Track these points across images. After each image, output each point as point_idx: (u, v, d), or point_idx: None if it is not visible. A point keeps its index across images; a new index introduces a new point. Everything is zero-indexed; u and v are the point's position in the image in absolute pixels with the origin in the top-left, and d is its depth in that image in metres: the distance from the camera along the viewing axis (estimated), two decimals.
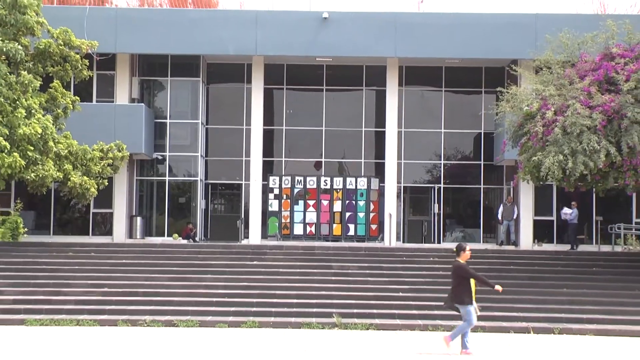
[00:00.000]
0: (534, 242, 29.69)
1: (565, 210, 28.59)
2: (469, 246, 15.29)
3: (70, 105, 26.28)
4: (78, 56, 25.82)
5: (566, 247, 27.75)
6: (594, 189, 23.86)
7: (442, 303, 20.14)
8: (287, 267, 23.19)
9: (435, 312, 19.62)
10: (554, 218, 30.43)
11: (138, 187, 31.44)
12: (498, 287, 14.91)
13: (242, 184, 31.78)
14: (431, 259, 24.27)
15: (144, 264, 23.26)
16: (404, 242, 30.87)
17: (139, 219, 30.68)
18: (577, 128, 20.10)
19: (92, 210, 30.34)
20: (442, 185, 31.93)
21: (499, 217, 29.63)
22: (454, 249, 15.12)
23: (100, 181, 26.53)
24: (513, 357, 14.88)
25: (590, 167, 20.00)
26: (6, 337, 16.39)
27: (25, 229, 27.73)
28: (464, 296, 14.47)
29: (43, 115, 24.57)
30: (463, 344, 14.56)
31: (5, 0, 23.01)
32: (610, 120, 20.40)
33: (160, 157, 31.42)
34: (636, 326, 18.95)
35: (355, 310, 19.64)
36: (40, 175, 24.07)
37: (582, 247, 28.87)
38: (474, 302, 14.49)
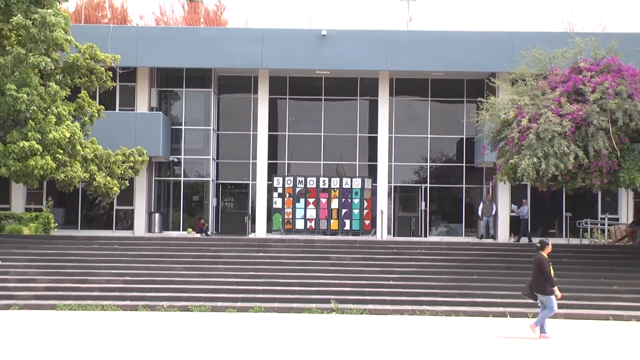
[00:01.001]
0: (510, 235, 29.76)
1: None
2: (550, 242, 15.54)
3: (96, 113, 26.37)
4: (103, 69, 25.88)
5: (533, 239, 27.79)
6: (564, 188, 23.89)
7: (433, 290, 20.38)
8: (289, 258, 23.26)
9: (422, 298, 19.75)
10: (528, 214, 30.52)
11: (156, 187, 31.52)
12: (557, 293, 15.06)
13: (249, 183, 31.86)
14: (418, 250, 24.33)
15: (162, 255, 23.32)
16: (394, 235, 30.93)
17: (157, 215, 30.76)
18: (549, 134, 20.15)
19: (115, 207, 30.46)
20: (428, 185, 32.00)
21: (479, 213, 29.70)
22: (538, 244, 15.34)
23: (122, 182, 26.60)
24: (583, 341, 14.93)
25: (561, 168, 20.06)
26: (40, 320, 16.44)
27: (56, 224, 27.86)
28: (546, 286, 14.67)
29: (72, 122, 24.64)
30: (542, 329, 14.89)
31: (35, 19, 23.00)
32: (578, 127, 20.45)
33: (176, 160, 31.50)
34: (601, 310, 19.02)
35: (350, 297, 19.70)
36: (69, 176, 24.13)
37: (554, 240, 28.78)
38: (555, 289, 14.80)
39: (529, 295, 15.23)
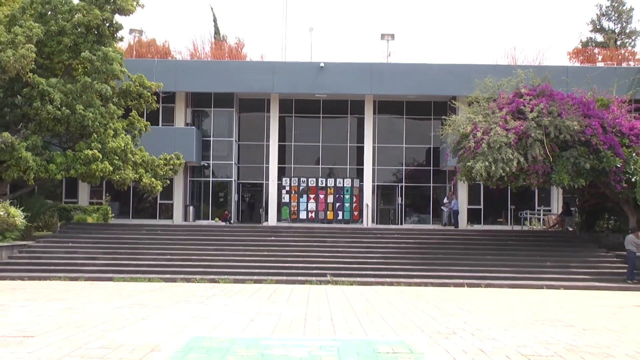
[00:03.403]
0: (467, 223, 29.98)
1: (445, 200, 29.23)
2: None
3: (144, 128, 26.52)
4: (149, 94, 26.03)
5: (494, 227, 28.04)
6: (509, 186, 24.11)
7: (407, 266, 20.52)
8: (295, 241, 23.41)
9: (399, 272, 19.84)
10: (481, 207, 30.72)
11: (190, 185, 31.72)
12: None
13: (263, 183, 32.06)
14: (396, 235, 24.49)
15: (195, 239, 23.49)
16: (376, 224, 31.13)
17: (191, 207, 30.95)
18: (497, 144, 20.28)
19: (158, 201, 30.65)
20: (403, 184, 32.22)
21: (443, 206, 29.92)
22: None
23: (164, 181, 26.75)
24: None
25: (507, 171, 20.20)
26: (102, 288, 16.60)
27: (113, 214, 28.06)
28: None
29: (125, 135, 24.81)
30: None
31: (99, 55, 23.21)
32: (520, 138, 20.61)
33: (206, 164, 31.69)
34: (537, 281, 19.18)
35: (342, 272, 19.84)
36: (123, 177, 24.28)
37: (500, 227, 29.13)
38: None
39: None
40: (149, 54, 32.36)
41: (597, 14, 45.89)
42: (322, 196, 31.29)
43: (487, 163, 20.21)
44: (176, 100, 30.72)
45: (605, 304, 13.82)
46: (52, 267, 19.63)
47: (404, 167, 32.37)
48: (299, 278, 19.01)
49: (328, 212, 31.20)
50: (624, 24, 45.37)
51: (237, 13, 73.18)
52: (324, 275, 19.30)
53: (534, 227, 28.52)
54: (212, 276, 19.06)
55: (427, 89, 29.68)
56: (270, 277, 18.96)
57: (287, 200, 31.22)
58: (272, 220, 30.37)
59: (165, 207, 31.05)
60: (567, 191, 26.09)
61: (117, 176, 24.12)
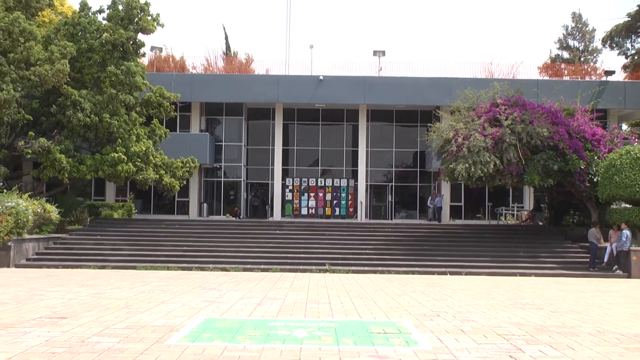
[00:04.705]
0: (450, 218, 29.99)
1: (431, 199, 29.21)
2: None
3: (163, 134, 26.58)
4: (168, 104, 26.08)
5: (473, 222, 28.05)
6: (487, 186, 24.17)
7: (396, 257, 20.57)
8: (297, 234, 23.48)
9: (389, 262, 19.93)
10: (462, 204, 30.74)
11: (204, 185, 31.70)
12: None
13: (269, 182, 32.03)
14: (387, 229, 24.53)
15: (208, 233, 23.56)
16: (369, 219, 31.11)
17: (205, 204, 30.93)
18: (476, 148, 20.38)
19: (176, 198, 30.59)
20: (393, 184, 32.23)
21: (428, 203, 29.91)
22: None
23: (181, 181, 26.77)
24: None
25: (485, 172, 20.30)
26: (127, 275, 16.61)
27: (136, 210, 28.10)
28: None
29: (146, 140, 24.84)
30: None
31: (122, 69, 23.24)
32: (496, 143, 20.71)
33: (218, 166, 31.67)
34: (511, 270, 19.25)
35: (339, 261, 19.90)
36: (145, 177, 24.35)
37: (479, 222, 29.18)
38: None
39: None
40: (168, 68, 32.33)
41: (563, 34, 46.19)
42: (321, 194, 31.32)
43: (467, 165, 20.31)
44: (192, 109, 30.69)
45: (571, 289, 13.87)
46: (83, 257, 19.69)
47: (393, 169, 32.38)
48: (301, 267, 19.09)
49: (326, 209, 31.22)
50: (587, 43, 45.64)
51: (246, 31, 73.25)
52: (323, 264, 19.35)
53: (509, 221, 28.55)
54: (223, 265, 19.11)
55: (414, 100, 29.66)
56: (275, 266, 19.03)
57: (290, 198, 31.24)
58: (276, 215, 30.36)
59: (182, 204, 31.03)
60: (538, 190, 26.15)
61: (140, 177, 24.18)
